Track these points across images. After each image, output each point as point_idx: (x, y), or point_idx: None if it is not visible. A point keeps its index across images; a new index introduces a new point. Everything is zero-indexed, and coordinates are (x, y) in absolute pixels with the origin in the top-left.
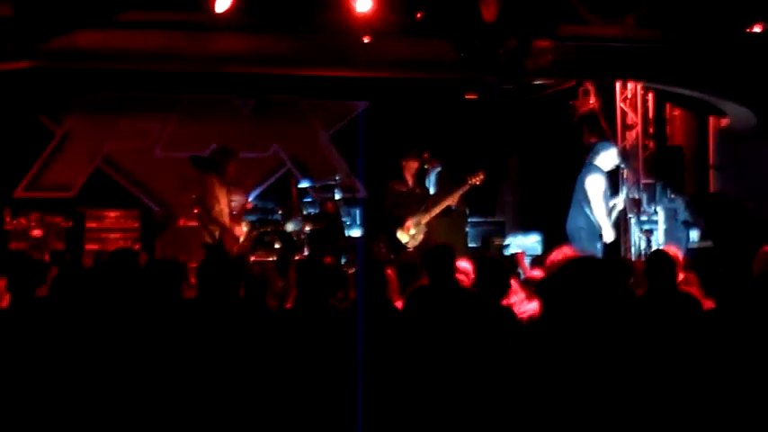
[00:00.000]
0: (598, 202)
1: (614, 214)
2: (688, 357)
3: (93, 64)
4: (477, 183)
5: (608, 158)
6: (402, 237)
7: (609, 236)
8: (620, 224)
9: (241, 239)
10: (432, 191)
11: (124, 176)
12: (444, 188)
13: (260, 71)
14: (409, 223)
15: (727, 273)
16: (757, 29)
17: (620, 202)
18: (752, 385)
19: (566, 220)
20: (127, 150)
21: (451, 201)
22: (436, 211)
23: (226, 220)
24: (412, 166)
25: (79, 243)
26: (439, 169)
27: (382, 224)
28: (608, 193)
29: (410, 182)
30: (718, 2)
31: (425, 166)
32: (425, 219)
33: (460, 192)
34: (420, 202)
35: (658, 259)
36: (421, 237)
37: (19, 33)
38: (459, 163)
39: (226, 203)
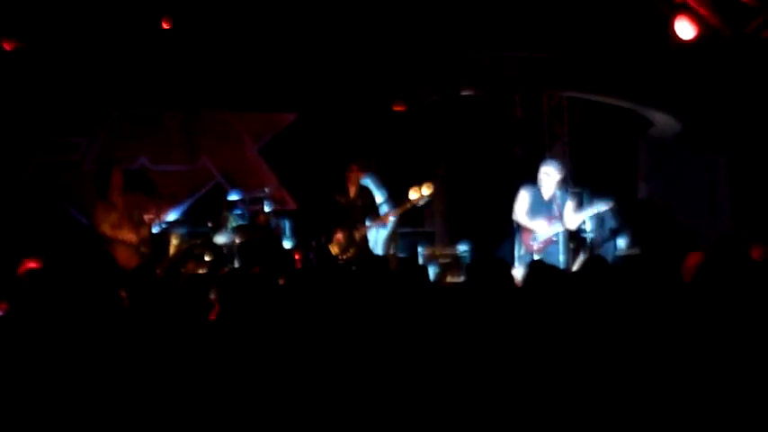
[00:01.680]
0: (520, 214)
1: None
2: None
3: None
4: (421, 202)
5: (544, 171)
6: (333, 248)
7: (541, 230)
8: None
9: (172, 250)
10: (379, 199)
11: (53, 190)
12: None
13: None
14: (339, 236)
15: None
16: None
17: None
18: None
19: (495, 229)
20: (56, 163)
21: (390, 218)
22: (372, 226)
23: (108, 230)
24: (354, 175)
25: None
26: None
27: (312, 234)
28: (539, 206)
29: (351, 192)
30: (639, 11)
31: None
32: (358, 233)
33: (402, 209)
34: (359, 213)
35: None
36: (353, 250)
37: None
38: (389, 176)
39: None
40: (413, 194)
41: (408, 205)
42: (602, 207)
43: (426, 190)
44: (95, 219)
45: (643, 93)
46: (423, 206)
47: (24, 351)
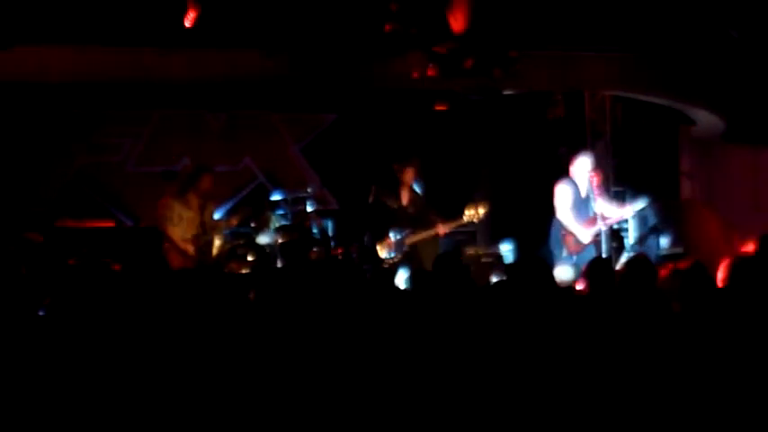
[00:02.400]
0: (564, 212)
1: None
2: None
3: (63, 79)
4: (475, 221)
5: (580, 167)
6: (381, 252)
7: (585, 238)
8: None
9: (215, 251)
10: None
11: (97, 192)
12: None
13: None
14: (390, 240)
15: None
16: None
17: (627, 211)
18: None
19: (538, 228)
20: (99, 165)
21: (441, 231)
22: (423, 236)
23: (174, 233)
24: (409, 176)
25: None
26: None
27: (357, 233)
28: (586, 201)
29: (404, 197)
30: (686, 10)
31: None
32: (410, 240)
33: (455, 225)
34: (410, 222)
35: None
36: (400, 256)
37: None
38: (431, 175)
39: (191, 218)
40: (468, 211)
41: (463, 222)
42: (639, 205)
43: (482, 209)
44: (164, 214)
45: (687, 91)
46: (461, 204)
47: (63, 347)
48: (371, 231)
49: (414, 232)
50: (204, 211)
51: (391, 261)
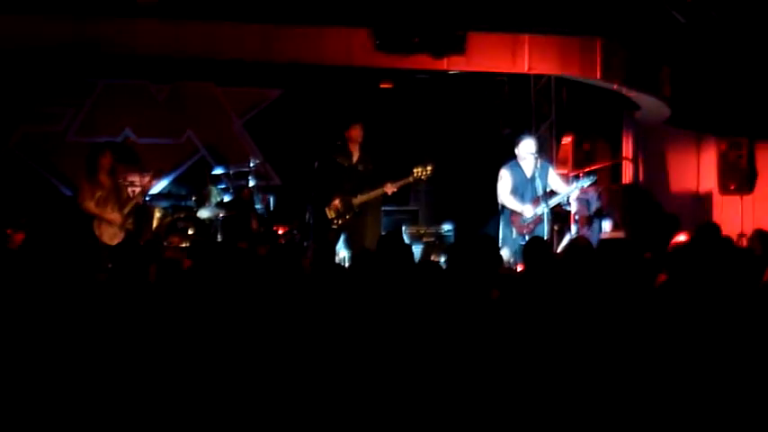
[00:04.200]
0: (504, 195)
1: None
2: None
3: (5, 45)
4: (423, 177)
5: (524, 148)
6: (329, 213)
7: (527, 213)
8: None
9: (155, 224)
10: None
11: (37, 160)
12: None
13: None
14: (337, 202)
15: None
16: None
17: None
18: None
19: (480, 209)
20: (41, 134)
21: (389, 189)
22: (372, 195)
23: (92, 207)
24: (356, 134)
25: None
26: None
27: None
28: (531, 181)
29: (354, 155)
30: None
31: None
32: (358, 200)
33: (403, 182)
34: (360, 179)
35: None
36: (348, 217)
37: None
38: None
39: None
40: (416, 170)
41: (410, 180)
42: (585, 183)
43: (429, 168)
44: (80, 196)
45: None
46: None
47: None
48: (315, 200)
49: (362, 191)
50: (118, 185)
51: (340, 222)
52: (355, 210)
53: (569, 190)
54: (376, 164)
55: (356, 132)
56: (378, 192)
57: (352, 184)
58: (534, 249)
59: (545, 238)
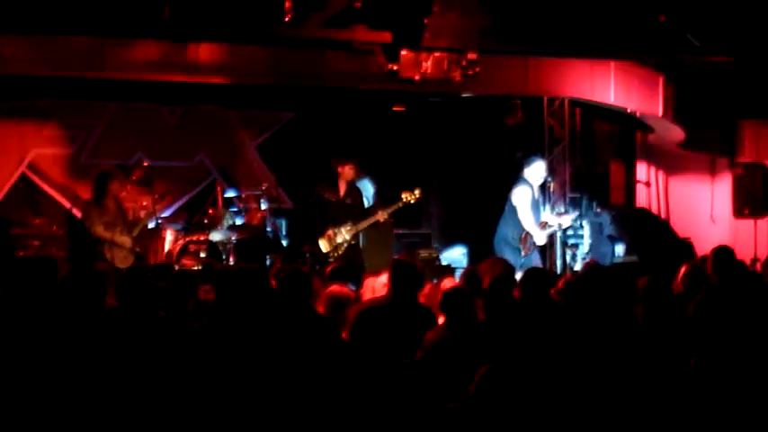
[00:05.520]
0: (525, 213)
1: (549, 230)
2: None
3: (18, 70)
4: (412, 201)
5: (536, 172)
6: (323, 246)
7: (540, 240)
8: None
9: (167, 247)
10: (368, 202)
11: (49, 183)
12: (376, 201)
13: (186, 80)
14: (331, 233)
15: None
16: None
17: (565, 220)
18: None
19: (493, 232)
20: (52, 157)
21: (381, 217)
22: (363, 225)
23: (102, 232)
24: (347, 172)
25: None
26: (366, 179)
27: (305, 234)
28: (537, 205)
29: (342, 190)
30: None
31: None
32: (351, 231)
33: (393, 208)
34: (348, 213)
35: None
36: (342, 250)
37: None
38: (387, 175)
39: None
40: (404, 195)
41: (400, 205)
42: (572, 216)
43: (417, 191)
44: (88, 221)
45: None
46: (416, 207)
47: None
48: (311, 229)
49: (354, 223)
50: (123, 209)
51: (336, 255)
52: (350, 242)
53: (562, 220)
54: (381, 199)
55: (348, 170)
56: (370, 220)
57: (340, 216)
58: (533, 279)
59: (540, 265)
